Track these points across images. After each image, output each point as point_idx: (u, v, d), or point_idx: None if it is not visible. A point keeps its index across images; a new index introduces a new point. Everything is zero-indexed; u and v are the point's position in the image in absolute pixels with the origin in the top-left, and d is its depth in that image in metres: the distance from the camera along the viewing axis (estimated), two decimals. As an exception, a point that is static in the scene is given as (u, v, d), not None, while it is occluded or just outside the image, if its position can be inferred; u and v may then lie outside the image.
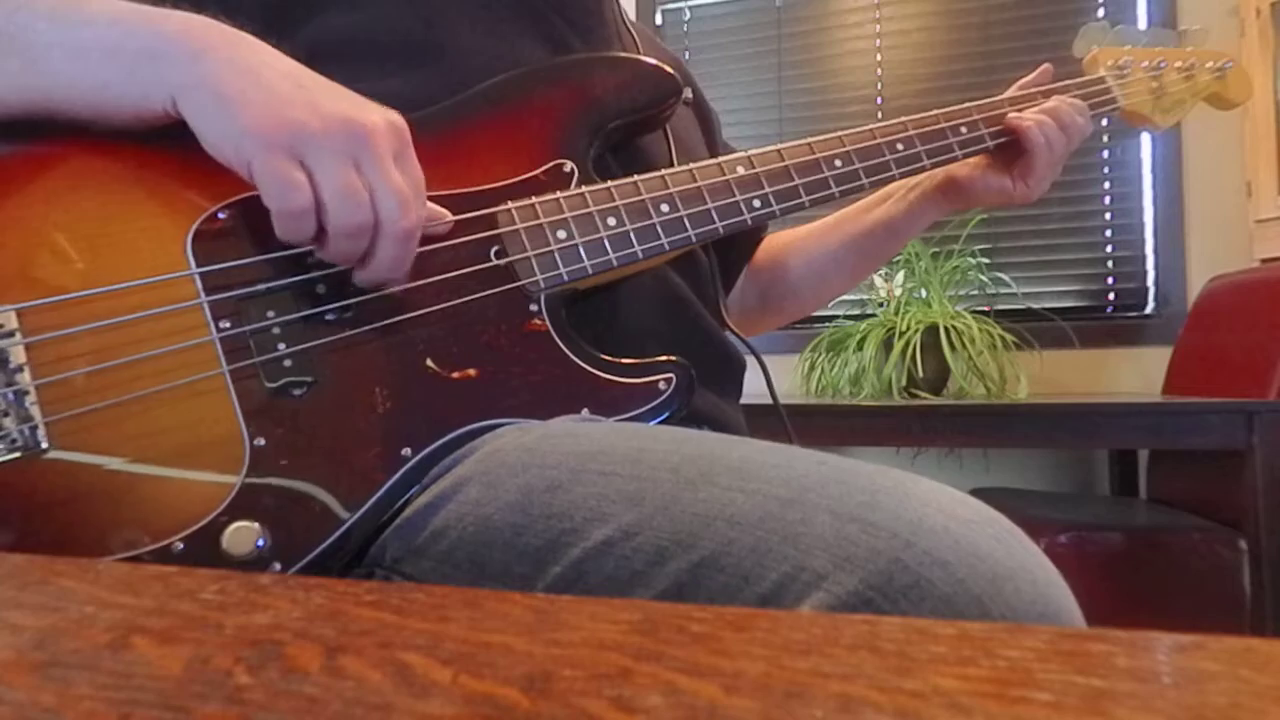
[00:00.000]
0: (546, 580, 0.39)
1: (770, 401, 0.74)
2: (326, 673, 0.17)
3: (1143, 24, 2.04)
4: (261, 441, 0.44)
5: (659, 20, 2.41)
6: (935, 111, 0.71)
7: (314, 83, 0.47)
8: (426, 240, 0.50)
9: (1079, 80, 0.79)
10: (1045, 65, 0.79)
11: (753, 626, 0.19)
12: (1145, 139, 2.03)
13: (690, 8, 2.41)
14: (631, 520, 0.38)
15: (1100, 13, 2.09)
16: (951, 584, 0.31)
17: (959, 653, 0.17)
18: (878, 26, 2.25)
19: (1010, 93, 0.78)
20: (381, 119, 0.46)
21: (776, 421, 0.73)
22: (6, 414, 0.41)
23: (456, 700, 0.15)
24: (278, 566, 0.43)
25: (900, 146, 0.68)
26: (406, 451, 0.47)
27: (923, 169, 0.70)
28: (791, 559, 0.34)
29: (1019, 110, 0.74)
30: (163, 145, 0.46)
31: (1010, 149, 0.75)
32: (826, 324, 1.96)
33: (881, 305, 1.92)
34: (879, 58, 2.25)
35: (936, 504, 0.34)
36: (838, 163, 0.65)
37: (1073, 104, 0.76)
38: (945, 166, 0.74)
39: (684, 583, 0.36)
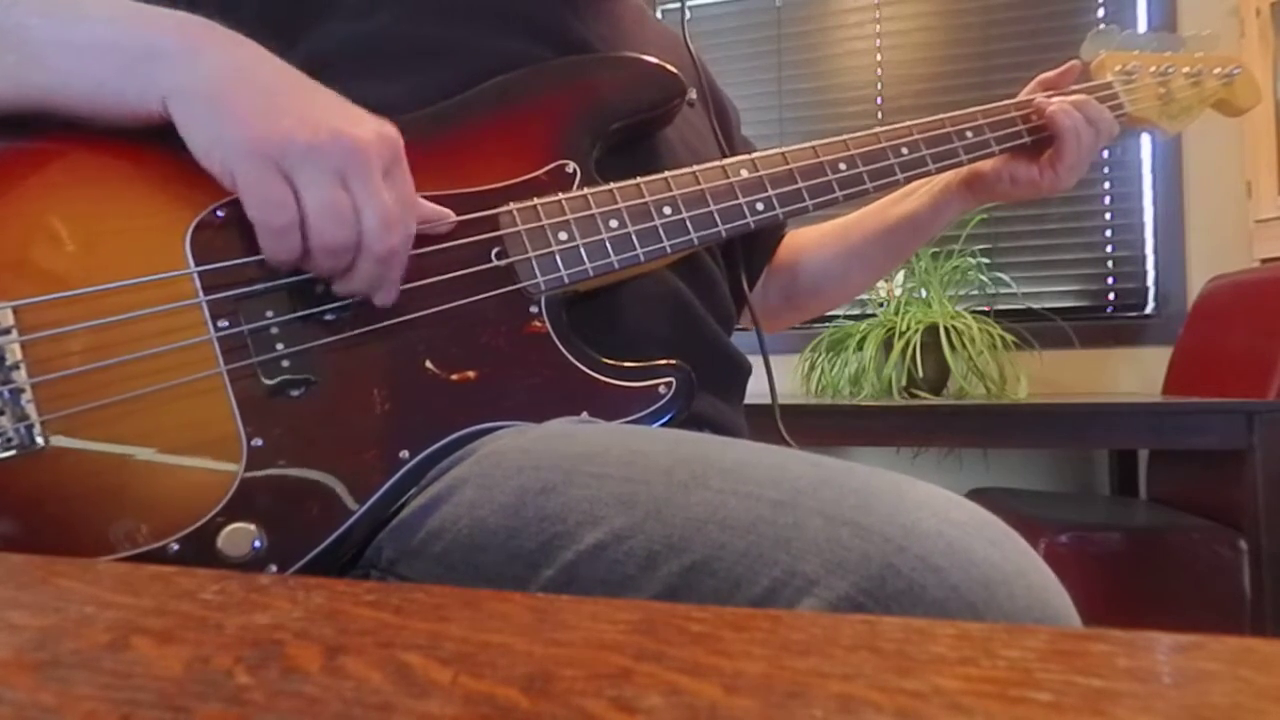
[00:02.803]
0: (539, 583, 0.39)
1: (770, 403, 0.74)
2: (326, 673, 0.17)
3: (1143, 23, 2.04)
4: (259, 442, 0.44)
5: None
6: (940, 116, 0.70)
7: (306, 91, 0.46)
8: (428, 241, 0.50)
9: (1086, 86, 0.79)
10: (1073, 62, 0.79)
11: (753, 626, 0.19)
12: (1145, 139, 2.03)
13: (690, 8, 2.41)
14: (623, 524, 0.38)
15: (1100, 12, 2.09)
16: (944, 589, 0.31)
17: (959, 653, 0.17)
18: (878, 26, 2.25)
19: (1025, 93, 0.77)
20: (373, 132, 0.45)
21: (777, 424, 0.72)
22: (2, 412, 0.40)
23: (456, 700, 0.15)
24: (274, 568, 0.43)
25: (905, 151, 0.67)
26: (404, 454, 0.47)
27: (928, 173, 0.69)
28: (783, 563, 0.33)
29: (1025, 113, 0.74)
30: (162, 142, 0.46)
31: (1035, 143, 0.74)
32: (826, 324, 1.96)
33: (881, 305, 1.92)
34: (879, 58, 2.25)
35: (930, 507, 0.34)
36: (842, 166, 0.64)
37: (1098, 104, 0.75)
38: None
39: (676, 586, 0.35)
